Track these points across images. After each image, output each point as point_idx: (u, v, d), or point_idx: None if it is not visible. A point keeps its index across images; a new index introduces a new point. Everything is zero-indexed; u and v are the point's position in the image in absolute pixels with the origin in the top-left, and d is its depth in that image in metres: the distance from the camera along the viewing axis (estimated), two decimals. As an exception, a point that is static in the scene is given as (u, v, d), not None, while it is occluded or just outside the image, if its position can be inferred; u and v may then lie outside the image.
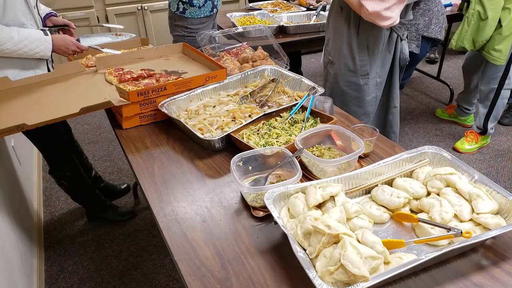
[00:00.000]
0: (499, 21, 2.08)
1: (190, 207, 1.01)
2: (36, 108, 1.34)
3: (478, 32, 2.08)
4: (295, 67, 3.34)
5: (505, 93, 2.39)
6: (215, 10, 2.31)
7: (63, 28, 1.73)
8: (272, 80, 1.52)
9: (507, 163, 2.50)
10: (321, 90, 1.37)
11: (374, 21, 1.50)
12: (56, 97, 1.42)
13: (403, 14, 1.65)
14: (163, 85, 1.37)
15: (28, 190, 2.12)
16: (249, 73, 1.56)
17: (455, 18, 2.71)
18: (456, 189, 0.92)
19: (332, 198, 0.91)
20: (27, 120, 1.17)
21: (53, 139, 1.72)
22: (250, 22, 2.37)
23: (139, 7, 3.34)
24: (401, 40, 1.75)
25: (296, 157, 1.05)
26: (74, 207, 2.22)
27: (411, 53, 2.12)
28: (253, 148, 1.11)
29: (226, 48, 1.89)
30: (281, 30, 2.31)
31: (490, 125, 2.51)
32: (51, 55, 1.62)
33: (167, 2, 2.33)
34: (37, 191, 2.30)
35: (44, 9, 1.75)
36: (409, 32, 2.20)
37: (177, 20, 2.28)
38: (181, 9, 2.23)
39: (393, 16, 1.48)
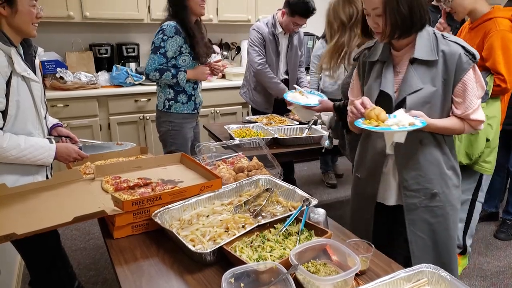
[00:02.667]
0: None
1: (177, 329, 0.93)
2: (29, 215, 1.32)
3: (472, 147, 2.17)
4: (288, 174, 3.41)
5: (478, 206, 2.40)
6: (196, 111, 2.60)
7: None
8: (266, 190, 1.55)
9: (510, 281, 2.40)
10: (314, 201, 1.39)
11: (478, 127, 1.48)
12: (51, 204, 1.42)
13: None
14: (158, 194, 1.38)
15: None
16: (244, 182, 1.59)
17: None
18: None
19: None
20: (17, 229, 1.15)
21: (40, 247, 1.67)
22: (246, 134, 2.50)
23: (141, 117, 3.55)
24: None
25: (290, 274, 1.01)
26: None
27: None
28: (246, 263, 1.08)
29: (222, 157, 1.96)
30: (275, 142, 2.43)
31: (468, 242, 2.45)
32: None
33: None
34: (12, 304, 2.13)
35: (52, 120, 1.85)
36: None
37: (163, 116, 2.55)
38: (167, 106, 2.51)
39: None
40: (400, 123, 1.30)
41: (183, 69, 2.44)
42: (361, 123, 1.35)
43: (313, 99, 2.27)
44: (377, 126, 1.32)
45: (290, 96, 2.35)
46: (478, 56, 1.39)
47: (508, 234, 2.84)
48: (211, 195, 1.49)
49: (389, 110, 1.38)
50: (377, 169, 1.56)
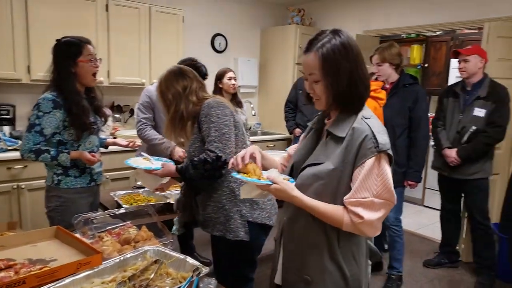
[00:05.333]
0: None
1: None
2: None
3: None
4: (186, 240, 3.27)
5: None
6: (93, 183, 2.25)
7: None
8: (155, 262, 1.44)
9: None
10: (205, 270, 1.33)
11: (363, 231, 1.24)
12: None
13: None
14: (21, 278, 1.18)
15: None
16: (128, 255, 1.46)
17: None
18: None
19: None
20: None
21: None
22: (135, 200, 2.36)
23: (15, 186, 3.12)
24: None
25: None
26: None
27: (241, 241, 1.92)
28: None
29: (107, 228, 1.79)
30: (168, 208, 2.33)
31: None
32: None
33: None
34: None
35: None
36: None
37: (52, 191, 2.16)
38: (56, 181, 2.13)
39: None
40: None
41: (66, 148, 2.11)
42: (237, 174, 1.34)
43: (157, 164, 2.08)
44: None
45: (132, 160, 2.16)
46: (384, 147, 1.20)
47: None
48: (89, 273, 1.33)
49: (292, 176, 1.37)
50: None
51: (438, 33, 5.25)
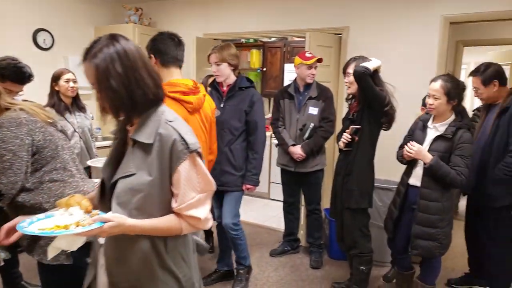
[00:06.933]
0: None
1: None
2: None
3: None
4: (10, 268, 2.74)
5: None
6: None
7: None
8: None
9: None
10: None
11: (201, 228, 1.29)
12: None
13: None
14: None
15: None
16: None
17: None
18: None
19: None
20: None
21: None
22: None
23: None
24: None
25: None
26: None
27: None
28: None
29: None
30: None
31: None
32: None
33: None
34: None
35: None
36: None
37: None
38: None
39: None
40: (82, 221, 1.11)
41: None
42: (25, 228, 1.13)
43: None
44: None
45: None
46: (194, 146, 1.24)
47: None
48: None
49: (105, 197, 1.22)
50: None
51: (273, 39, 5.71)
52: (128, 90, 1.18)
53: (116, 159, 1.28)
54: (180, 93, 2.06)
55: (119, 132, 1.33)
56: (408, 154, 2.49)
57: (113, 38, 1.21)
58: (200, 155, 1.26)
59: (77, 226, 1.10)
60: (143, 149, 1.22)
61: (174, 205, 1.24)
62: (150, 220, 1.21)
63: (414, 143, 2.49)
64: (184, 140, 1.21)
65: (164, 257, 1.27)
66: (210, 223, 1.31)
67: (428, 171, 2.43)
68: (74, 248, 1.18)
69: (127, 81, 1.17)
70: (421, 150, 2.44)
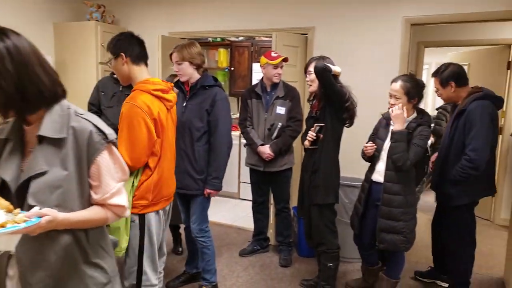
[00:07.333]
0: None
1: None
2: None
3: None
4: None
5: None
6: None
7: None
8: None
9: None
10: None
11: (124, 215, 1.38)
12: None
13: None
14: None
15: None
16: None
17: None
18: None
19: None
20: None
21: None
22: None
23: None
24: None
25: None
26: None
27: None
28: None
29: None
30: None
31: None
32: None
33: None
34: None
35: None
36: None
37: None
38: None
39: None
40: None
41: None
42: None
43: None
44: None
45: None
46: (112, 136, 1.28)
47: None
48: None
49: (10, 200, 1.14)
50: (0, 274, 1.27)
51: (240, 38, 5.69)
52: (20, 88, 1.13)
53: (19, 160, 1.23)
54: (161, 91, 2.06)
55: (15, 133, 1.26)
56: (391, 112, 2.55)
57: (3, 33, 1.14)
58: (115, 144, 1.31)
59: (13, 224, 1.04)
60: (54, 144, 1.20)
61: (95, 196, 1.27)
62: (78, 212, 1.23)
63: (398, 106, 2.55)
64: (101, 131, 1.24)
65: (88, 251, 1.29)
66: (129, 211, 1.40)
67: (394, 134, 2.51)
68: (12, 248, 1.12)
69: (17, 79, 1.12)
70: (400, 114, 2.50)
